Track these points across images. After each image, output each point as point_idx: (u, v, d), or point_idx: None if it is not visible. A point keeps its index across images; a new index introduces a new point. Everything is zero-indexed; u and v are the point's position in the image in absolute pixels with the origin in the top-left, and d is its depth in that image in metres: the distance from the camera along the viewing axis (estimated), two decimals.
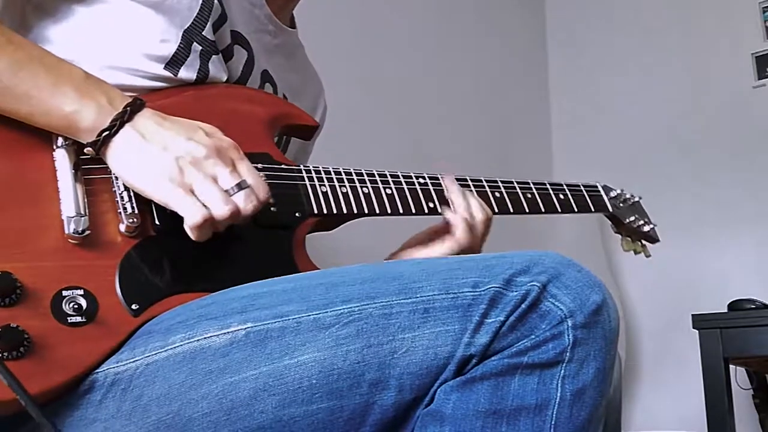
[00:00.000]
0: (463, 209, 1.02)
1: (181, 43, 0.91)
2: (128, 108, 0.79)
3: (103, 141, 0.77)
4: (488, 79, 2.89)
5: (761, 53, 2.74)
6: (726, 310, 2.12)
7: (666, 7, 2.98)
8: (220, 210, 0.77)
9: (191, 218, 0.76)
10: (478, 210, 1.03)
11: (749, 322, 2.03)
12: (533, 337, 0.69)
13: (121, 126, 0.78)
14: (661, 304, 2.79)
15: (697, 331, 2.08)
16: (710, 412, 2.01)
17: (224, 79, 0.97)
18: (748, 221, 2.65)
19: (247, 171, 0.81)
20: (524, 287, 0.70)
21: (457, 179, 1.06)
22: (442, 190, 1.04)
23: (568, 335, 0.69)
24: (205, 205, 0.76)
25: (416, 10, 2.61)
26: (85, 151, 0.78)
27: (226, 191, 0.78)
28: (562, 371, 0.70)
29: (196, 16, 0.92)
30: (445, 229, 1.03)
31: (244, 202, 0.78)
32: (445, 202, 1.03)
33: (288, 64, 1.12)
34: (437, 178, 1.05)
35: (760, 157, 2.68)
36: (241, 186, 0.79)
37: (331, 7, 2.14)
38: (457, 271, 0.72)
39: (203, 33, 0.93)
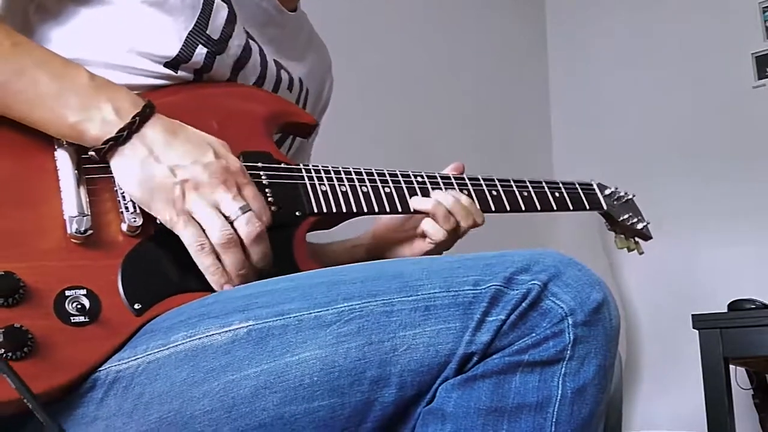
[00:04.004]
0: (444, 215, 1.02)
1: (184, 44, 0.91)
2: (137, 118, 0.79)
3: (108, 149, 0.78)
4: (489, 79, 2.89)
5: (761, 53, 2.74)
6: (726, 310, 2.12)
7: (666, 7, 2.98)
8: (217, 237, 0.78)
9: (188, 244, 0.78)
10: (463, 218, 1.04)
11: (749, 322, 2.03)
12: (534, 335, 0.69)
13: (129, 137, 0.78)
14: (661, 304, 2.79)
15: (697, 331, 2.08)
16: (710, 412, 2.01)
17: (227, 78, 0.97)
18: (748, 221, 2.65)
19: (252, 196, 0.81)
20: (525, 286, 0.70)
21: (456, 179, 1.07)
22: (440, 188, 1.04)
23: (569, 333, 0.69)
24: (205, 231, 0.78)
25: (416, 9, 2.61)
26: (88, 154, 0.79)
27: (227, 217, 0.79)
28: (563, 369, 0.70)
29: (200, 16, 0.92)
30: (421, 231, 1.05)
31: (246, 227, 0.79)
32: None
33: (296, 50, 1.12)
34: (435, 177, 1.05)
35: (760, 157, 2.68)
36: (243, 210, 0.79)
37: (331, 6, 2.14)
38: (458, 269, 0.72)
39: (207, 32, 0.93)
